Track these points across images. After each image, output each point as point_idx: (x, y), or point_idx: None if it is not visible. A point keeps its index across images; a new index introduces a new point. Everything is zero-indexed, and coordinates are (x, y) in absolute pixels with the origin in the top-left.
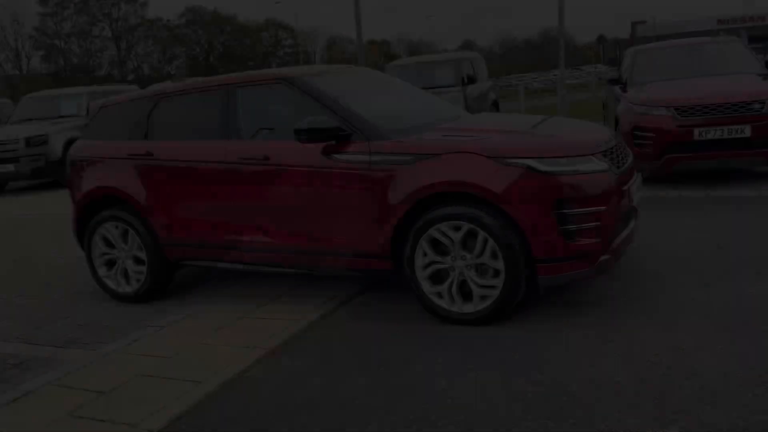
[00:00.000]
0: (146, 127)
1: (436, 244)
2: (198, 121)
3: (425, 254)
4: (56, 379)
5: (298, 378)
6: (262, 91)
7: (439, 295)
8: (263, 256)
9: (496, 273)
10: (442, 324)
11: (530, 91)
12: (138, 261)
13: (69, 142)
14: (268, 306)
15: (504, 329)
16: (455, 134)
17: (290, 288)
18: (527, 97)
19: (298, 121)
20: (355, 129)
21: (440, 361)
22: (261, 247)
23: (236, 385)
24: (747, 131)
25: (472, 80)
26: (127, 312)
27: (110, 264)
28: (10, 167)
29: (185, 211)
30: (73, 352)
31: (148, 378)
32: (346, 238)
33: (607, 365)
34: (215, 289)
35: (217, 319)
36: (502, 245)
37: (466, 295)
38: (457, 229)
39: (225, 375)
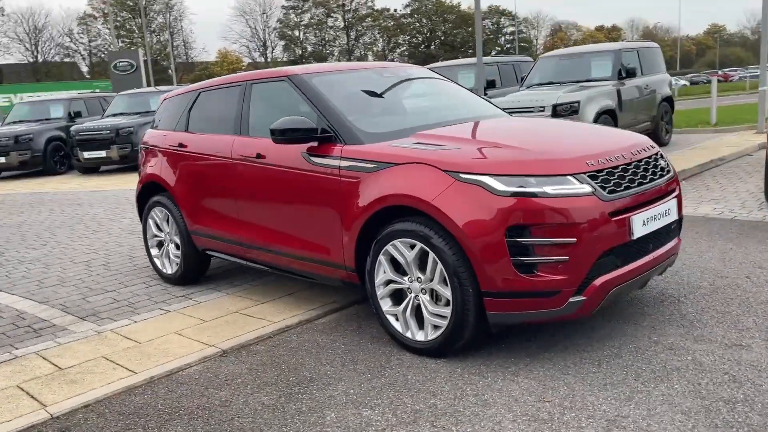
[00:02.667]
0: (186, 120)
1: (396, 262)
2: (221, 115)
3: (384, 271)
4: (42, 349)
5: (214, 385)
6: (272, 88)
7: (396, 317)
8: (262, 255)
9: (448, 301)
10: (400, 350)
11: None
12: (177, 246)
13: None
14: (264, 306)
15: (451, 366)
16: (428, 142)
17: (302, 289)
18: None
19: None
20: (335, 131)
21: (352, 392)
22: (259, 246)
23: (160, 381)
24: None
25: (630, 73)
26: (158, 292)
27: (160, 245)
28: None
29: (203, 202)
30: (83, 324)
31: (96, 361)
32: (321, 245)
33: None
34: (244, 281)
35: (209, 312)
36: (451, 271)
37: (422, 321)
38: (412, 247)
39: (160, 369)
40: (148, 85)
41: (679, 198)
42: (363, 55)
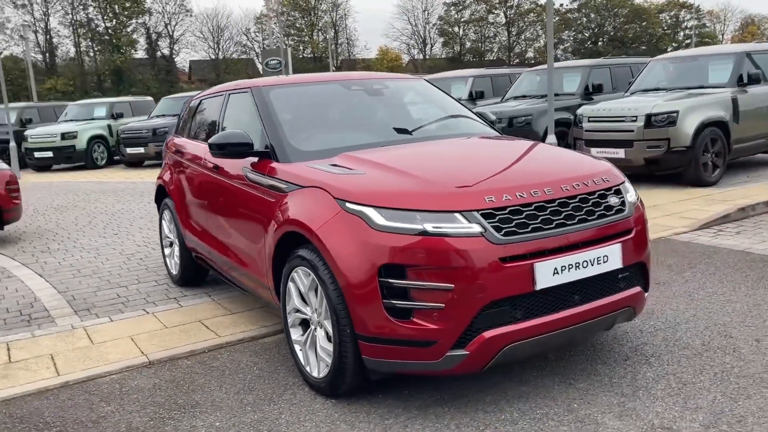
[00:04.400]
0: (189, 125)
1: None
2: (207, 124)
3: (292, 298)
4: (12, 339)
5: (109, 399)
6: (240, 100)
7: (301, 348)
8: (221, 266)
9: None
10: (302, 384)
11: None
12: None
13: None
14: (231, 317)
15: (331, 410)
16: (343, 164)
17: None
18: None
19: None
20: (272, 147)
21: (218, 425)
22: (217, 257)
23: (71, 388)
24: None
25: (753, 80)
26: (157, 292)
27: (171, 246)
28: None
29: (189, 208)
30: (70, 318)
31: (40, 358)
32: (255, 264)
33: None
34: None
35: (177, 318)
36: (332, 307)
37: None
38: (308, 276)
39: (80, 375)
40: None
41: (632, 242)
42: (523, 51)
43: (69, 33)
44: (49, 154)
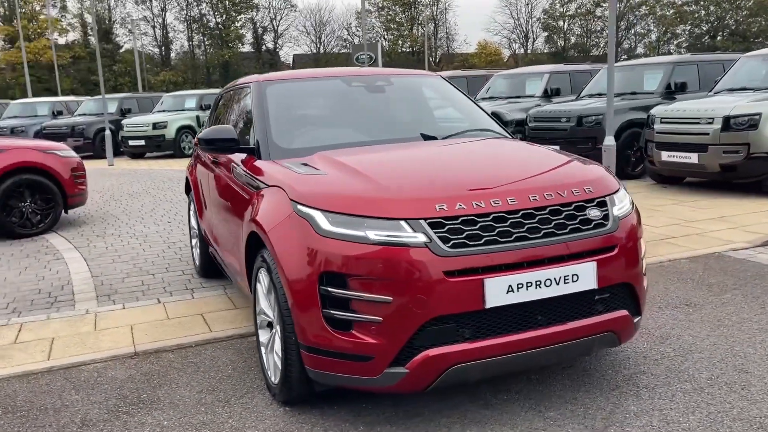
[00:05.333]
0: (212, 117)
1: None
2: (221, 117)
3: (259, 299)
4: (28, 320)
5: (82, 387)
6: (245, 94)
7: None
8: (221, 261)
9: None
10: (264, 388)
11: None
12: None
13: None
14: (232, 312)
15: (280, 418)
16: (312, 164)
17: None
18: None
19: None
20: (257, 143)
21: (165, 423)
22: (217, 251)
23: (54, 373)
24: None
25: None
26: (179, 282)
27: (196, 237)
28: None
29: (200, 200)
30: (88, 303)
31: (42, 341)
32: (235, 260)
33: None
34: None
35: (182, 310)
36: (280, 312)
37: None
38: (267, 277)
39: (68, 361)
40: None
41: (614, 261)
42: (632, 47)
43: (183, 28)
44: (142, 142)
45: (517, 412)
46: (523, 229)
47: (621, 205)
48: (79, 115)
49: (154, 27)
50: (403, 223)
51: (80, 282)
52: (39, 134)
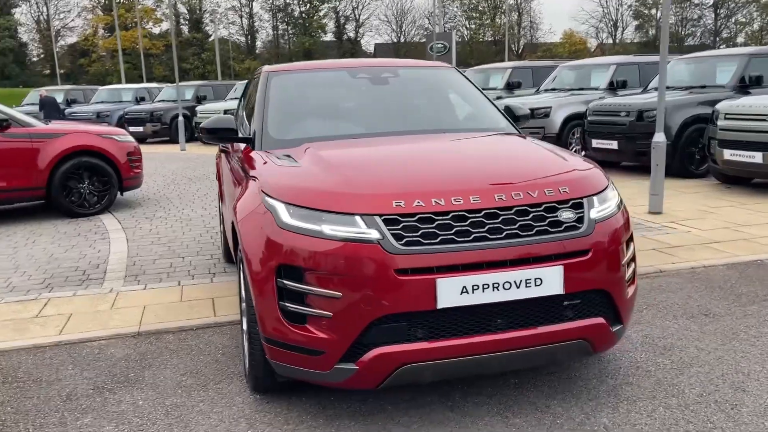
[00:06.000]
0: (242, 103)
1: None
2: (242, 104)
3: (241, 286)
4: (56, 296)
5: (76, 363)
6: (258, 83)
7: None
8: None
9: None
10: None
11: None
12: None
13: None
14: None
15: (243, 408)
16: (293, 155)
17: None
18: None
19: None
20: (253, 133)
21: (141, 403)
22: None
23: (61, 347)
24: None
25: None
26: (204, 266)
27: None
28: None
29: (220, 185)
30: (114, 283)
31: (60, 316)
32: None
33: None
34: None
35: (197, 293)
36: (247, 301)
37: None
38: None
39: (75, 336)
40: (458, 65)
41: (586, 266)
42: (732, 36)
43: (269, 17)
44: None
45: (482, 416)
46: (484, 230)
47: (602, 207)
48: (159, 101)
49: (241, 16)
50: (358, 218)
51: (115, 262)
52: (122, 119)
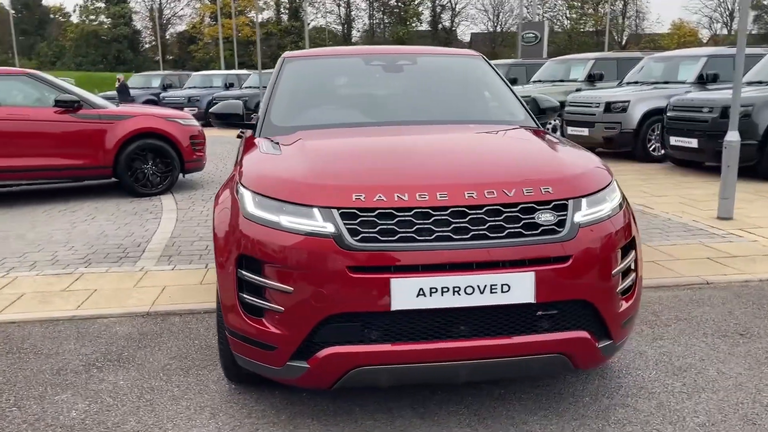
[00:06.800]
0: None
1: None
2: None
3: None
4: (91, 272)
5: (80, 337)
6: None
7: None
8: None
9: None
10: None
11: None
12: None
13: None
14: None
15: (209, 399)
16: (282, 142)
17: None
18: None
19: None
20: (258, 119)
21: (122, 383)
22: None
23: (72, 322)
24: None
25: None
26: None
27: None
28: (585, 131)
29: None
30: (148, 262)
31: (85, 291)
32: None
33: None
34: None
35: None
36: (218, 290)
37: None
38: None
39: (89, 312)
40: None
41: (564, 273)
42: None
43: (366, 6)
44: None
45: (450, 426)
46: (448, 229)
47: (592, 210)
48: (246, 87)
49: (339, 5)
50: (315, 210)
51: (157, 241)
52: (210, 104)
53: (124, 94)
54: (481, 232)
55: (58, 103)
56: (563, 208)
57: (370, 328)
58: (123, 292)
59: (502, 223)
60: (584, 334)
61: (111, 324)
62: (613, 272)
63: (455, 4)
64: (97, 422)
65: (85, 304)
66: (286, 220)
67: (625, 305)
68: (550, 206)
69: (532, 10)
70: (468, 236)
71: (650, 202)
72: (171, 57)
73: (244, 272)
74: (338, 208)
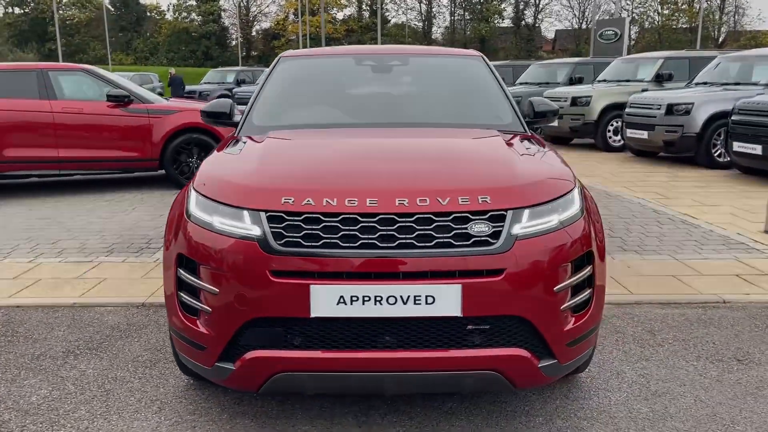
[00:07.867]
0: None
1: None
2: None
3: None
4: (101, 261)
5: (73, 326)
6: None
7: None
8: None
9: None
10: None
11: None
12: None
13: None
14: None
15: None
16: (248, 143)
17: None
18: None
19: None
20: (242, 118)
21: (90, 372)
22: None
23: (71, 309)
24: None
25: None
26: None
27: None
28: (644, 134)
29: None
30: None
31: (97, 279)
32: None
33: None
34: None
35: None
36: None
37: None
38: None
39: (89, 300)
40: (628, 53)
41: (497, 287)
42: None
43: (447, 2)
44: None
45: None
46: (374, 236)
47: (535, 222)
48: None
49: (420, 2)
50: (245, 213)
51: None
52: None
53: (176, 88)
54: (408, 241)
55: (110, 97)
56: (500, 218)
57: (293, 333)
58: (128, 282)
59: (431, 232)
60: (521, 351)
61: (105, 313)
62: (556, 288)
63: (539, 1)
64: (50, 408)
65: (90, 293)
66: (219, 222)
67: (573, 323)
68: (486, 216)
69: (617, 5)
70: (394, 245)
71: (697, 212)
72: (255, 53)
73: (182, 271)
74: (266, 211)
